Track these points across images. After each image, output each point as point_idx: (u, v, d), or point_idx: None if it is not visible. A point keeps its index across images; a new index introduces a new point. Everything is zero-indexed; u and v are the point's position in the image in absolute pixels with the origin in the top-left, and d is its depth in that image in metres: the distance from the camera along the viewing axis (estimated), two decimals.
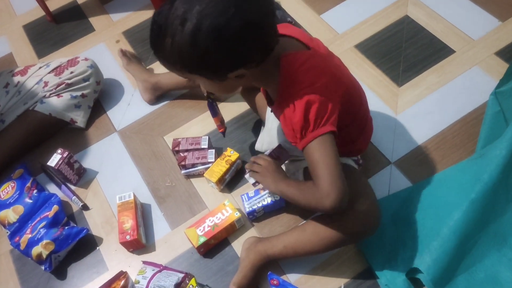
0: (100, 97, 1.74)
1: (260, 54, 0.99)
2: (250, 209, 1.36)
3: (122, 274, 1.19)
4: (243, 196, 1.38)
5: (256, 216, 1.39)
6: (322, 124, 1.03)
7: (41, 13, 2.06)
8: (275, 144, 1.39)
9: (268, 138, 1.44)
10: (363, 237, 1.20)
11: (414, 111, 1.56)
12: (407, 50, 1.71)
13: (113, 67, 1.84)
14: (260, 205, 1.37)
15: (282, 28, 1.09)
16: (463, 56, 1.66)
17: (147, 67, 1.80)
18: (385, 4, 1.85)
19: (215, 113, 1.33)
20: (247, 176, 1.28)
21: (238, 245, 1.37)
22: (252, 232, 1.38)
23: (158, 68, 1.78)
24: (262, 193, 1.38)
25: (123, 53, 1.79)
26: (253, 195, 1.38)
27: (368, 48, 1.74)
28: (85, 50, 1.91)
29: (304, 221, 1.36)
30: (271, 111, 1.24)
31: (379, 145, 1.50)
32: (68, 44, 1.95)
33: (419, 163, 1.45)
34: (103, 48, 1.92)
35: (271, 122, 1.42)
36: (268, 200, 1.37)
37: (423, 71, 1.65)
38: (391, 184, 1.42)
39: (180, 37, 0.92)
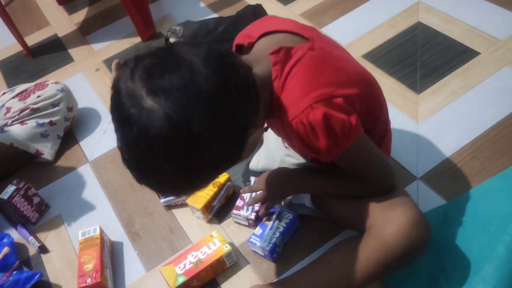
0: (73, 128, 1.52)
1: (248, 104, 0.74)
2: (271, 245, 1.06)
3: None
4: (251, 239, 1.08)
5: (279, 253, 1.09)
6: (350, 132, 0.82)
7: (18, 48, 1.91)
8: (273, 160, 1.14)
9: (265, 154, 1.18)
10: (411, 258, 0.88)
11: (439, 118, 1.30)
12: (424, 55, 1.48)
13: (91, 96, 1.64)
14: (277, 235, 1.08)
15: (265, 23, 0.89)
16: (490, 57, 1.43)
17: None
18: (392, 13, 1.66)
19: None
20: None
21: (229, 287, 1.07)
22: (247, 271, 1.08)
23: None
24: (269, 223, 1.10)
25: (118, 65, 1.54)
26: (262, 231, 1.09)
27: (378, 57, 1.52)
28: (62, 81, 1.72)
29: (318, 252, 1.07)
30: (265, 130, 1.01)
31: (400, 159, 1.23)
32: (44, 76, 1.77)
33: (452, 177, 1.17)
34: (81, 77, 1.74)
35: (268, 135, 1.17)
36: (282, 224, 1.09)
37: (445, 76, 1.40)
38: (420, 203, 1.13)
39: (169, 178, 0.71)
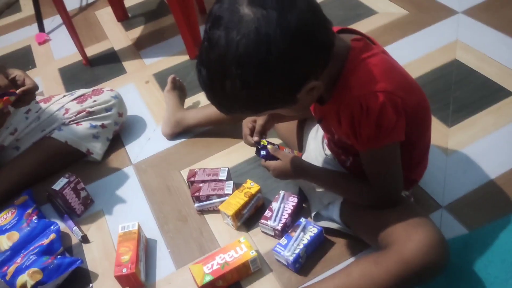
0: (120, 132, 1.65)
1: (320, 56, 0.84)
2: (294, 255, 1.12)
3: None
4: (276, 248, 1.15)
5: (301, 264, 1.15)
6: (393, 131, 0.91)
7: (78, 58, 2.08)
8: None
9: None
10: (428, 276, 0.93)
11: (469, 152, 1.34)
12: (457, 91, 1.53)
13: (139, 105, 1.77)
14: (301, 246, 1.14)
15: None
16: None
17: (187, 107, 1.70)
18: (430, 49, 1.72)
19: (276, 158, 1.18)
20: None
21: None
22: (270, 278, 1.15)
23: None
24: (295, 234, 1.16)
25: (174, 79, 1.66)
26: (287, 241, 1.15)
27: None
28: (115, 88, 1.86)
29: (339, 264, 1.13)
30: (319, 122, 1.09)
31: (426, 187, 1.27)
32: (99, 83, 1.92)
33: (477, 208, 1.20)
34: (132, 87, 1.88)
35: (309, 144, 1.26)
36: (307, 237, 1.16)
37: (477, 112, 1.45)
38: (443, 231, 1.12)
39: (231, 88, 0.80)
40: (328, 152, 1.21)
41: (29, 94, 1.29)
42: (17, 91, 1.23)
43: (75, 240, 1.35)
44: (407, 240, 0.92)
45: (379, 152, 0.95)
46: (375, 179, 1.00)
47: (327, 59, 0.85)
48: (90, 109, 1.53)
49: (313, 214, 1.22)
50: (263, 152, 1.16)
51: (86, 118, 1.53)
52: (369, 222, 1.05)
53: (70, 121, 1.53)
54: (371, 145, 0.93)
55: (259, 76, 0.78)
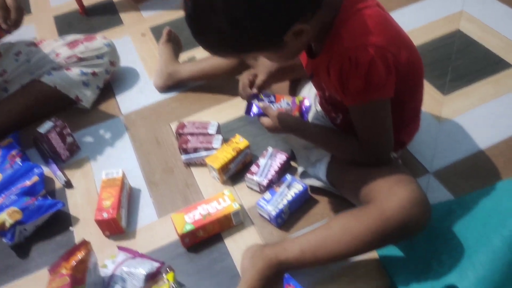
0: (112, 82, 1.62)
1: None
2: (277, 210, 1.11)
3: (83, 245, 0.97)
4: (260, 202, 1.14)
5: (284, 220, 1.14)
6: (383, 87, 0.89)
7: (74, 6, 2.04)
8: None
9: None
10: (407, 233, 0.92)
11: (462, 121, 1.32)
12: (457, 61, 1.50)
13: (133, 57, 1.74)
14: (285, 202, 1.13)
15: None
16: None
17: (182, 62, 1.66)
18: (434, 18, 1.69)
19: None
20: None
21: (232, 243, 1.13)
22: (251, 231, 1.14)
23: None
24: (279, 190, 1.16)
25: (169, 32, 1.63)
26: (271, 197, 1.14)
27: None
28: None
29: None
30: (310, 77, 1.06)
31: (415, 152, 1.26)
32: (94, 33, 1.87)
33: (466, 176, 1.19)
34: (128, 40, 1.84)
35: None
36: (291, 193, 1.15)
37: (475, 82, 1.42)
38: (428, 196, 1.15)
39: (216, 22, 0.78)
40: (319, 109, 1.19)
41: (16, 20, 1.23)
42: (3, 27, 1.19)
43: (58, 185, 1.33)
44: (388, 196, 0.91)
45: (369, 107, 0.93)
46: (365, 137, 0.98)
47: (318, 2, 0.82)
48: (81, 55, 1.50)
49: (299, 172, 1.21)
50: (254, 110, 1.15)
51: (77, 64, 1.50)
52: (353, 179, 1.04)
53: (60, 66, 1.49)
54: (359, 98, 0.90)
55: (245, 11, 0.76)
